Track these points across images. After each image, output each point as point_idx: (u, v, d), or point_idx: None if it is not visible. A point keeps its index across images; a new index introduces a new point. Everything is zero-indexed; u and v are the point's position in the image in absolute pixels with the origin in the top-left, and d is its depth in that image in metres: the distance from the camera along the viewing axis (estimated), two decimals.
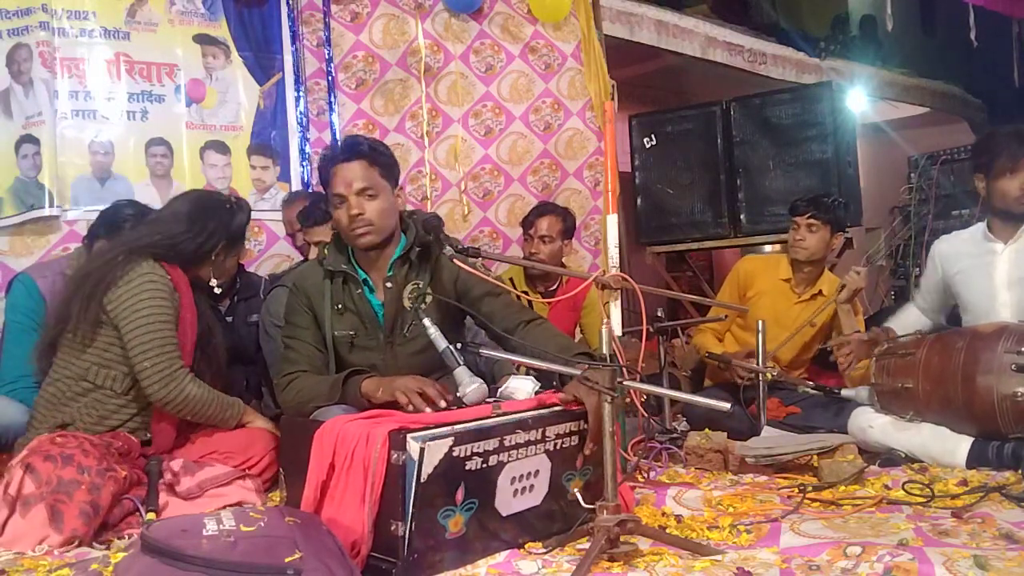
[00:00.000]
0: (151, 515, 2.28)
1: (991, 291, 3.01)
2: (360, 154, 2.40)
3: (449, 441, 1.86)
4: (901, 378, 2.84)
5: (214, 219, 2.69)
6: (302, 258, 3.92)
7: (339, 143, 2.54)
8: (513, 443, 1.99)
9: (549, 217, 3.90)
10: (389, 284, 2.46)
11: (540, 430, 2.05)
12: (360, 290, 2.46)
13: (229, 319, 3.56)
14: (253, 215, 3.61)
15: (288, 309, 2.55)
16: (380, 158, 2.44)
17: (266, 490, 2.63)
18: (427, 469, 1.82)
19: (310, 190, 4.12)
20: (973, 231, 3.18)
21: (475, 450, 1.91)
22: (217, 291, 2.80)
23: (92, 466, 2.25)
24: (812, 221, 3.55)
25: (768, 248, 5.75)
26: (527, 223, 3.96)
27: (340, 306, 2.46)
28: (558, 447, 2.09)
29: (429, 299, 2.47)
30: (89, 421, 2.48)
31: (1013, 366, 2.56)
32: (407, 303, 2.45)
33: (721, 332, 3.78)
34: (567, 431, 2.11)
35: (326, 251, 2.52)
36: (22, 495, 2.16)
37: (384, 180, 2.43)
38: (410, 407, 2.13)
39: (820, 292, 3.64)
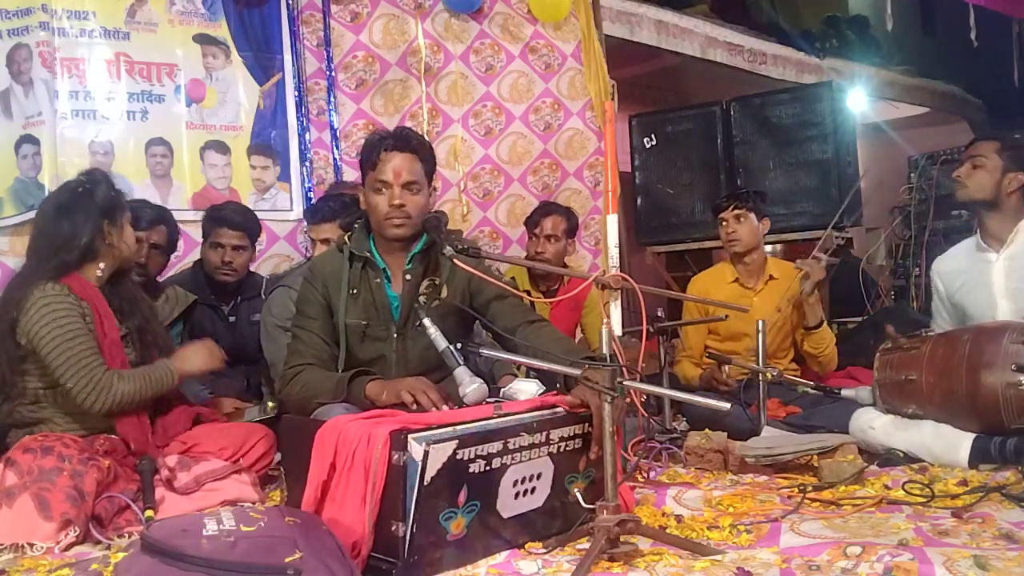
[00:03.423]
0: (149, 512, 2.28)
1: (991, 301, 3.04)
2: (412, 147, 2.46)
3: (453, 444, 1.86)
4: (905, 371, 2.84)
5: (77, 210, 2.57)
6: (303, 258, 3.94)
7: (390, 131, 2.54)
8: (517, 446, 1.99)
9: (554, 217, 3.92)
10: (408, 276, 2.48)
11: (544, 433, 2.04)
12: (379, 279, 2.48)
13: (232, 319, 3.58)
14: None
15: (301, 298, 2.54)
16: (427, 155, 2.51)
17: (261, 480, 2.64)
18: (431, 471, 1.82)
19: (310, 190, 4.13)
20: (967, 244, 3.20)
21: (479, 453, 1.91)
22: (103, 274, 2.63)
23: (73, 455, 2.26)
24: (737, 211, 3.69)
25: (768, 248, 5.75)
26: (531, 223, 3.97)
27: (355, 291, 2.46)
28: (561, 450, 2.09)
29: (444, 294, 2.48)
30: (60, 430, 2.48)
31: (1013, 366, 2.56)
32: (422, 298, 2.46)
33: (697, 356, 3.78)
34: (571, 434, 2.11)
35: (347, 238, 2.53)
36: (5, 487, 2.18)
37: (426, 178, 2.49)
38: (415, 406, 2.14)
39: (771, 277, 3.72)
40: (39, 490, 2.16)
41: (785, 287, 3.67)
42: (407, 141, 2.47)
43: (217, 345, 3.51)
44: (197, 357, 2.71)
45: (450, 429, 1.92)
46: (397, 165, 2.42)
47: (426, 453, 1.81)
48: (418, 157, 2.46)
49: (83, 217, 2.55)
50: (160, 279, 3.51)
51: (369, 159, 2.47)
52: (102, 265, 2.60)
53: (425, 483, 1.82)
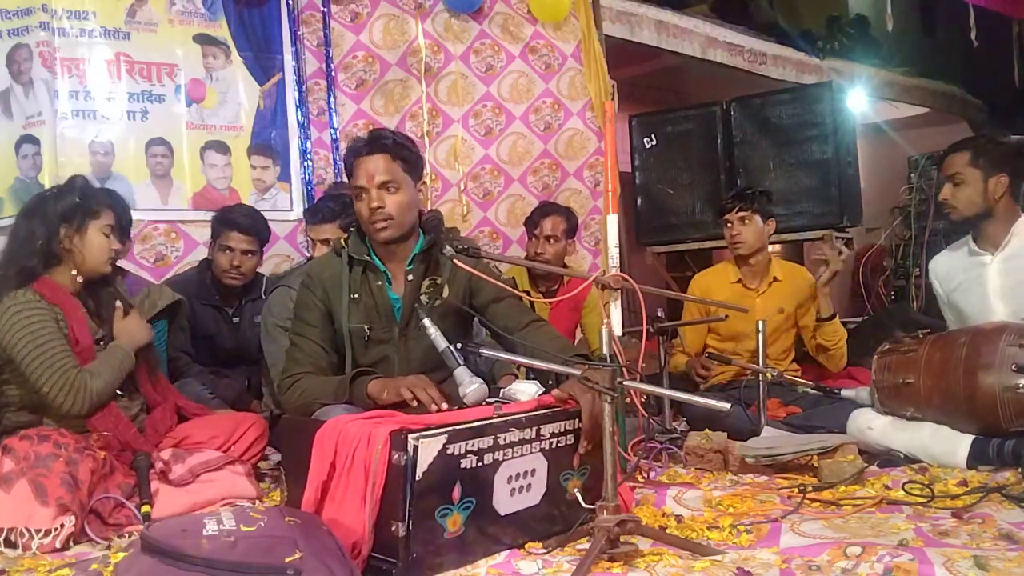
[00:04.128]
0: (146, 508, 2.29)
1: (985, 303, 3.03)
2: (384, 147, 2.42)
3: (443, 439, 1.87)
4: (902, 374, 2.84)
5: (38, 214, 2.56)
6: (303, 258, 3.93)
7: (363, 137, 2.52)
8: (507, 441, 1.99)
9: (553, 217, 3.92)
10: (410, 277, 2.47)
11: (534, 428, 2.04)
12: (380, 282, 2.47)
13: (236, 320, 3.58)
14: None
15: (299, 304, 2.53)
16: (404, 152, 2.45)
17: (254, 467, 2.67)
18: (421, 467, 1.83)
19: (311, 189, 4.13)
20: (960, 245, 3.20)
21: (469, 448, 1.91)
22: (79, 278, 2.60)
23: (69, 443, 2.28)
24: (742, 213, 3.67)
25: (769, 248, 5.76)
26: (531, 223, 3.97)
27: (356, 295, 2.46)
28: (553, 446, 2.09)
29: (446, 294, 2.48)
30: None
31: (1013, 366, 2.56)
32: (424, 298, 2.46)
33: (693, 351, 3.79)
34: (562, 430, 2.11)
35: (345, 242, 2.52)
36: (3, 473, 2.19)
37: (407, 175, 2.44)
38: (415, 402, 2.14)
39: (775, 279, 3.72)
40: (35, 476, 2.18)
41: (788, 289, 3.67)
42: (378, 141, 2.44)
43: (220, 346, 3.54)
44: (137, 330, 2.68)
45: (443, 426, 1.93)
46: (370, 168, 2.40)
47: (415, 448, 1.81)
48: (392, 156, 2.42)
49: (40, 220, 2.54)
50: (161, 279, 3.52)
51: (348, 169, 2.47)
52: (69, 270, 2.58)
53: (417, 478, 1.82)
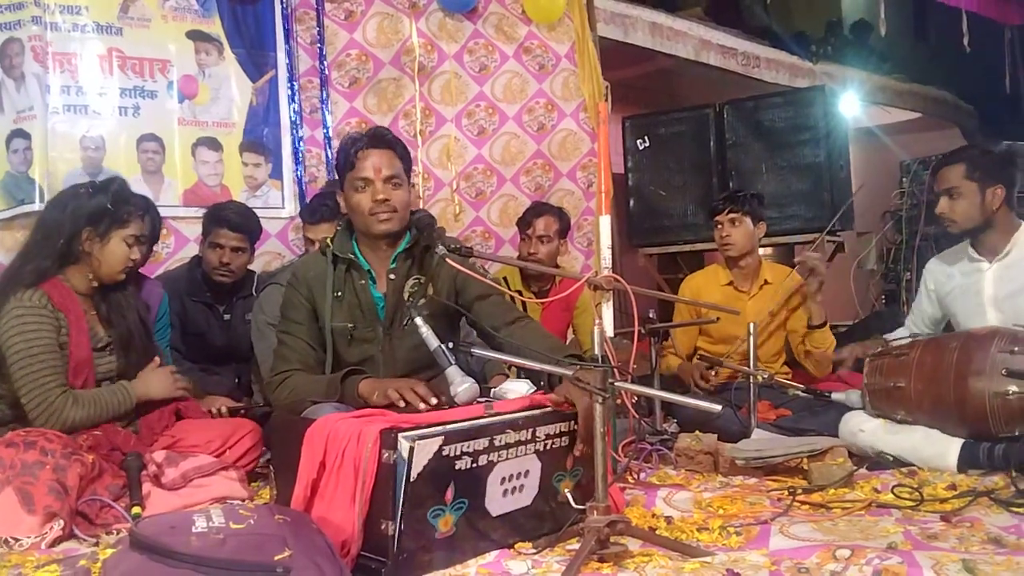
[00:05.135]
0: (136, 509, 2.28)
1: (979, 310, 3.04)
2: (389, 144, 2.47)
3: (439, 440, 1.86)
4: (893, 377, 2.84)
5: (68, 208, 2.54)
6: (295, 256, 3.92)
7: (363, 132, 2.55)
8: (503, 443, 1.99)
9: (546, 217, 3.91)
10: (392, 276, 2.47)
11: (530, 430, 2.04)
12: (364, 281, 2.47)
13: (227, 317, 3.56)
14: None
15: (285, 303, 2.53)
16: (403, 151, 2.51)
17: (248, 474, 2.65)
18: (416, 468, 1.82)
19: (304, 188, 4.12)
20: (959, 250, 3.20)
21: (465, 449, 1.91)
22: (93, 283, 2.59)
23: (56, 449, 2.25)
24: (732, 215, 3.67)
25: (760, 251, 5.77)
26: (524, 223, 3.96)
27: (340, 294, 2.46)
28: (548, 447, 2.09)
29: (431, 290, 2.48)
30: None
31: (1004, 370, 2.57)
32: (407, 296, 2.45)
33: (684, 353, 3.79)
34: (557, 432, 2.10)
35: (330, 240, 2.52)
36: None
37: (405, 174, 2.49)
38: (402, 403, 2.14)
39: (766, 282, 3.72)
40: (22, 484, 2.16)
41: (780, 291, 3.67)
42: (382, 138, 2.48)
43: (211, 343, 3.52)
44: (157, 383, 2.67)
45: (437, 426, 1.92)
46: (376, 161, 2.42)
47: (411, 449, 1.81)
48: (395, 153, 2.46)
49: (68, 216, 2.52)
50: (152, 275, 3.50)
51: (346, 160, 2.47)
52: (83, 273, 2.57)
53: (411, 480, 1.82)
